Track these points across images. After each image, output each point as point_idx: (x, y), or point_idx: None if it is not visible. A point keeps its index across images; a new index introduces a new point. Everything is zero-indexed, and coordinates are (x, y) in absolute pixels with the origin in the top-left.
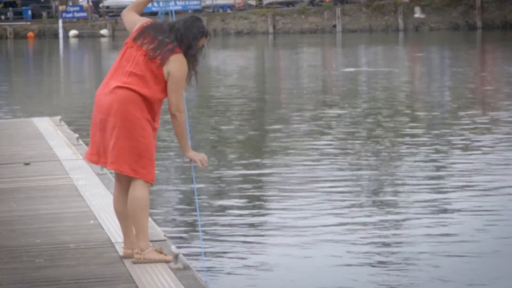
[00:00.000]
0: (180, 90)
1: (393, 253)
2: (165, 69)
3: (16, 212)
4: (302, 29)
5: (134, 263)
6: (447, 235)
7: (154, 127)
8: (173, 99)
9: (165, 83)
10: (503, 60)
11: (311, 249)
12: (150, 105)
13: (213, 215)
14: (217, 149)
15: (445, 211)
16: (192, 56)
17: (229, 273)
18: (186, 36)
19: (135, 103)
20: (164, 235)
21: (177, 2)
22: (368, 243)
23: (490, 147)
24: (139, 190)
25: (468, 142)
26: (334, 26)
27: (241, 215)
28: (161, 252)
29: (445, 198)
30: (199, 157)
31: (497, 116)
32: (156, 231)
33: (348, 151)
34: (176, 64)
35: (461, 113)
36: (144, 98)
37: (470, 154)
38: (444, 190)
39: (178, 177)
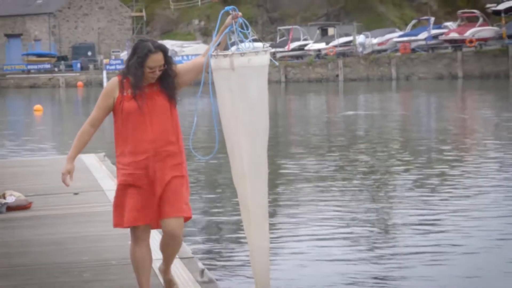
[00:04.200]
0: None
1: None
2: None
3: (67, 234)
4: (309, 78)
5: None
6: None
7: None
8: None
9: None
10: (481, 104)
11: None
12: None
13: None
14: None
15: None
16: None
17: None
18: (130, 73)
19: None
20: (192, 253)
21: (190, 57)
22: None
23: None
24: None
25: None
26: (337, 75)
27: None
28: None
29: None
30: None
31: (482, 150)
32: (185, 249)
33: (350, 181)
34: None
35: (451, 148)
36: None
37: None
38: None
39: (203, 199)
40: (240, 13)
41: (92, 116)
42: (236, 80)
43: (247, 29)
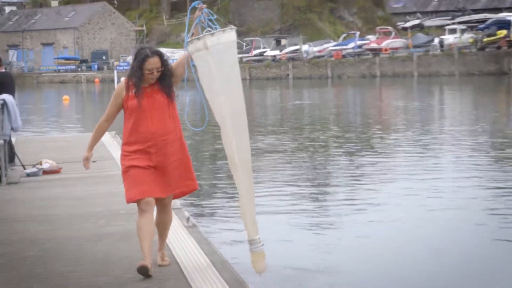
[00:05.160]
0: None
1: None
2: None
3: (87, 192)
4: (267, 77)
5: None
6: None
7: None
8: None
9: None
10: (394, 95)
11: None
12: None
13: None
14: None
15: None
16: (138, 82)
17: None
18: (132, 75)
19: None
20: (180, 205)
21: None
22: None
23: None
24: None
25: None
26: (288, 75)
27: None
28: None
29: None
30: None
31: (399, 129)
32: (175, 202)
33: (300, 153)
34: None
35: (371, 129)
36: None
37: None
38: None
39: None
40: (205, 5)
41: (107, 112)
42: (212, 57)
43: (213, 17)
